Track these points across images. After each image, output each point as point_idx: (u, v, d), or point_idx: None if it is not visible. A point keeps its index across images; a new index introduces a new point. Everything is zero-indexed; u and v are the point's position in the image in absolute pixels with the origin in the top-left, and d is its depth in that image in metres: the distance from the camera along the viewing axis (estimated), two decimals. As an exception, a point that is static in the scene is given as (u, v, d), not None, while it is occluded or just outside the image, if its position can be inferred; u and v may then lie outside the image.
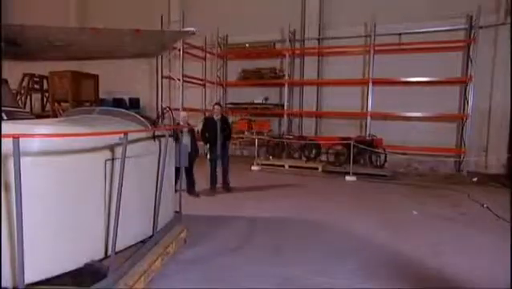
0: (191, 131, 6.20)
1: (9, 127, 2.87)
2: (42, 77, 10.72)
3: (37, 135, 2.63)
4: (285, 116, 11.16)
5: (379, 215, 5.39)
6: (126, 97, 11.61)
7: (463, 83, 9.60)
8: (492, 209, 5.68)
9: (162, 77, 10.47)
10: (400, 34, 9.90)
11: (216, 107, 6.57)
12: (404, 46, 9.88)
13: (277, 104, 11.33)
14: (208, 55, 11.89)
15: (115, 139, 3.12)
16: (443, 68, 9.58)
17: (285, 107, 11.07)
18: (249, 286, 3.14)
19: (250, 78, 11.58)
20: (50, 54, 4.49)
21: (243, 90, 12.12)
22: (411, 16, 9.79)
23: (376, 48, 10.01)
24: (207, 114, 10.69)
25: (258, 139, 9.76)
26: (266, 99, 11.36)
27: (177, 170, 5.62)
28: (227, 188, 6.66)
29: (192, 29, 3.60)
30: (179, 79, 10.09)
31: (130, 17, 12.10)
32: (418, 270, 3.50)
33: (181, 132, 5.49)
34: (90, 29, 3.31)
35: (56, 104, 9.90)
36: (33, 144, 2.61)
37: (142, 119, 4.03)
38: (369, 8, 10.08)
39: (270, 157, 10.45)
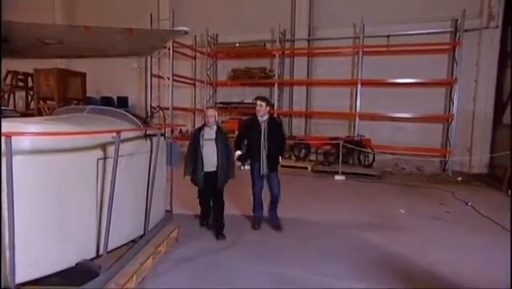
0: (220, 133, 4.26)
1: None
2: (26, 74, 10.46)
3: (29, 133, 2.61)
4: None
5: (369, 213, 5.49)
6: (114, 96, 11.44)
7: (449, 84, 9.84)
8: (476, 207, 5.85)
9: (152, 76, 10.36)
10: (388, 36, 10.07)
11: (259, 102, 4.43)
12: (392, 48, 10.05)
13: (267, 104, 11.35)
14: (198, 54, 11.83)
15: (107, 138, 3.11)
16: (430, 70, 9.78)
17: (275, 107, 11.12)
18: (240, 285, 3.16)
19: (240, 77, 11.58)
20: (39, 52, 4.38)
21: (233, 89, 12.11)
22: (399, 18, 9.96)
23: (365, 49, 10.16)
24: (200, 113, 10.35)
25: (248, 138, 9.76)
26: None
27: (202, 195, 4.45)
28: (275, 224, 4.64)
29: (185, 28, 3.56)
30: (169, 78, 10.02)
31: (118, 15, 11.90)
32: (408, 267, 3.59)
33: (201, 137, 4.17)
34: (82, 27, 3.25)
35: (42, 102, 9.68)
36: (24, 143, 2.59)
37: (133, 117, 4.01)
38: (358, 10, 10.20)
39: (260, 157, 10.47)
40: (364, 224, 4.97)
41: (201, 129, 4.29)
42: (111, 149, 3.16)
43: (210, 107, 4.72)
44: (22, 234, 2.36)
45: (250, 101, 11.31)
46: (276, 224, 4.65)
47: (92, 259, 3.08)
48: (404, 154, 9.98)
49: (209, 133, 4.22)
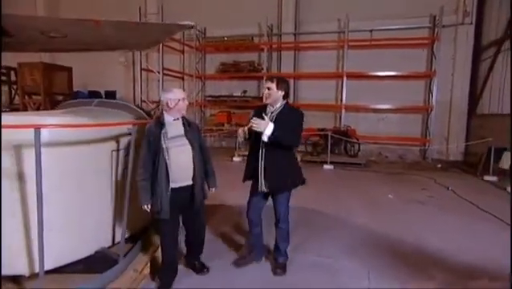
0: (190, 126, 2.89)
1: (19, 118, 2.90)
2: (9, 68, 10.16)
3: (59, 125, 2.69)
4: (263, 109, 11.42)
5: (359, 199, 5.82)
6: (101, 90, 11.28)
7: (428, 77, 10.39)
8: (456, 191, 6.32)
9: (141, 70, 10.32)
10: (371, 30, 10.47)
11: (267, 84, 2.99)
12: (375, 42, 10.48)
13: (255, 97, 11.54)
14: (186, 48, 11.85)
15: (119, 130, 3.21)
16: (410, 63, 10.27)
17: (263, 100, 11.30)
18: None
19: (229, 71, 11.72)
20: (41, 46, 4.37)
21: (222, 83, 12.24)
22: (381, 14, 10.37)
23: (349, 44, 10.53)
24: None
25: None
26: (245, 91, 11.57)
27: (170, 233, 2.92)
28: (276, 262, 3.27)
29: (190, 23, 3.67)
30: (159, 72, 10.02)
31: (103, 7, 11.73)
32: (400, 246, 3.86)
33: (163, 136, 2.72)
34: (91, 21, 3.31)
35: (26, 97, 9.46)
36: (43, 135, 2.60)
37: (140, 110, 4.13)
38: (342, 5, 10.57)
39: (250, 149, 10.67)
40: (356, 209, 5.27)
41: (160, 125, 2.74)
42: (123, 141, 3.29)
43: (173, 90, 2.87)
44: (44, 224, 2.43)
45: (239, 94, 11.51)
46: (278, 262, 3.24)
47: (109, 248, 3.18)
48: (386, 143, 10.48)
49: (175, 128, 2.79)
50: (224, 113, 11.44)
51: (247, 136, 3.11)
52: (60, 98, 9.64)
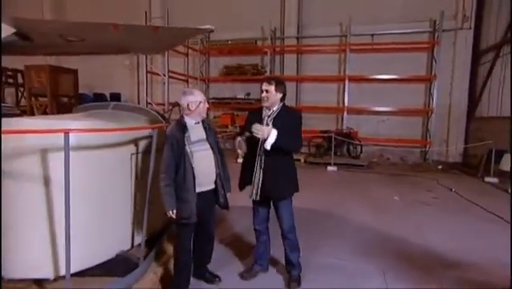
0: (210, 129, 2.92)
1: (46, 122, 2.96)
2: (15, 71, 10.25)
3: (89, 130, 2.77)
4: (266, 111, 11.54)
5: (365, 201, 5.93)
6: (106, 92, 11.38)
7: (428, 80, 10.56)
8: (459, 193, 6.44)
9: (147, 72, 10.43)
10: (372, 34, 10.64)
11: (264, 86, 2.87)
12: (376, 46, 10.65)
13: (258, 99, 11.58)
14: (190, 51, 11.96)
15: (138, 133, 3.30)
16: (411, 67, 10.45)
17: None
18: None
19: (232, 74, 11.88)
20: (56, 49, 4.44)
21: (225, 85, 12.36)
22: (382, 19, 10.55)
23: (351, 47, 10.70)
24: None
25: (242, 133, 10.07)
26: (248, 94, 11.70)
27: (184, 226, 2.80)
28: (289, 274, 3.11)
29: (211, 27, 3.70)
30: (164, 75, 10.13)
31: (108, 12, 11.83)
32: (408, 248, 3.94)
33: (187, 140, 2.70)
34: (110, 25, 3.38)
35: (33, 99, 9.53)
36: (71, 140, 2.55)
37: (155, 113, 4.22)
38: (344, 10, 10.73)
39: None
40: (362, 211, 5.36)
41: (183, 128, 2.71)
42: (141, 144, 3.37)
43: (190, 91, 2.84)
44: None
45: (243, 97, 11.65)
46: (292, 275, 3.06)
47: (127, 251, 3.22)
48: (388, 145, 10.63)
49: (197, 132, 2.77)
50: (227, 115, 11.55)
51: (245, 149, 2.94)
52: (65, 100, 9.74)
